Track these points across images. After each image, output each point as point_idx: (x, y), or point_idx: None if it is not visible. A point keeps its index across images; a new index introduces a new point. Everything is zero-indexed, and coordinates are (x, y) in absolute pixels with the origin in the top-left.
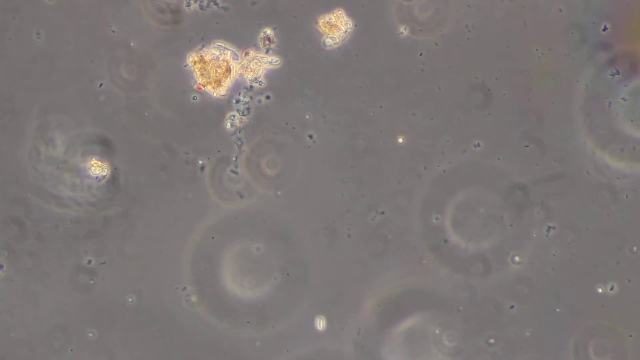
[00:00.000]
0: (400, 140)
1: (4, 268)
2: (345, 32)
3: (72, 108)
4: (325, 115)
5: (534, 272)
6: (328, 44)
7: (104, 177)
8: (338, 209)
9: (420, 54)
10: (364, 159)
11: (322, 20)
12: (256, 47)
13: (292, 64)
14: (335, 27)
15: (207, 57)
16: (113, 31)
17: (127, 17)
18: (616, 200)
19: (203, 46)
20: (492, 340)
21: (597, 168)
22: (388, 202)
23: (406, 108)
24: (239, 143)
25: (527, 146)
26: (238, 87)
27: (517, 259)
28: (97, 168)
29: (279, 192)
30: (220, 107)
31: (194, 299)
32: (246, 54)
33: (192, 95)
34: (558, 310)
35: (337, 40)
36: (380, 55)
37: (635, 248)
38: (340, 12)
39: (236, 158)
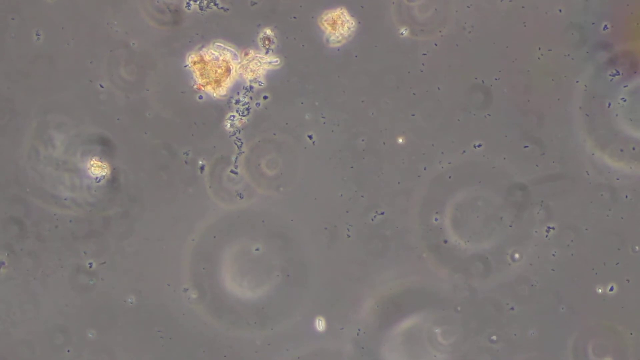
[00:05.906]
0: (400, 140)
1: (5, 264)
2: (349, 29)
3: (72, 108)
4: (325, 116)
5: (534, 272)
6: (332, 40)
7: (103, 177)
8: (338, 209)
9: (424, 54)
10: (364, 159)
11: (325, 18)
12: (256, 47)
13: (292, 64)
14: (337, 26)
15: (207, 57)
16: (117, 31)
17: (127, 18)
18: (616, 200)
19: (203, 46)
20: (494, 338)
21: (597, 168)
22: (388, 202)
23: (406, 108)
24: (239, 143)
25: (527, 146)
26: (238, 87)
27: (516, 256)
28: (97, 168)
29: (281, 188)
30: (220, 107)
31: (194, 295)
32: (246, 54)
33: (198, 95)
34: (562, 309)
35: (341, 38)
36: (380, 55)
37: (637, 247)
38: (342, 11)
39: (236, 158)
